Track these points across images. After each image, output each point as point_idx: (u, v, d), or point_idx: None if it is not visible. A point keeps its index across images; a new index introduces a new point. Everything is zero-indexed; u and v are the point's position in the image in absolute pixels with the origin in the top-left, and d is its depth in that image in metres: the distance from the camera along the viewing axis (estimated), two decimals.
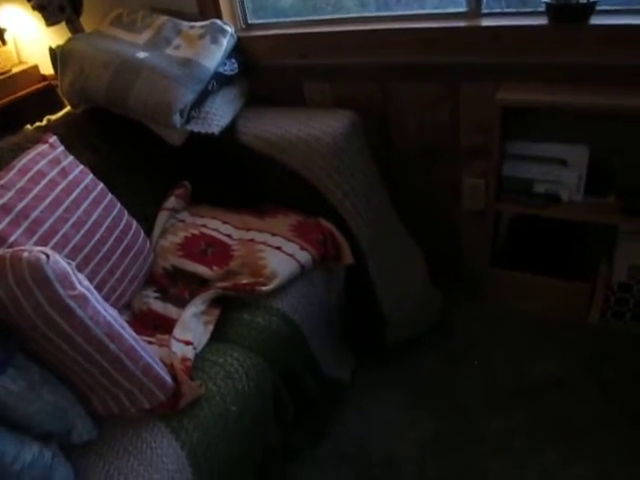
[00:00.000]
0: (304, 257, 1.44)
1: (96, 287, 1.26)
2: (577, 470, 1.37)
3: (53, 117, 1.69)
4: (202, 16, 1.74)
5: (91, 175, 1.38)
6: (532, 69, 1.48)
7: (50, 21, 1.77)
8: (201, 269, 1.44)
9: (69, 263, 0.96)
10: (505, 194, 1.64)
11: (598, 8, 1.39)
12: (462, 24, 1.52)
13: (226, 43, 1.63)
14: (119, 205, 1.42)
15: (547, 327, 1.77)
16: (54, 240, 1.23)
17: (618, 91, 1.38)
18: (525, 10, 1.51)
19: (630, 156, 1.52)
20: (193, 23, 1.66)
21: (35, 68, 2.19)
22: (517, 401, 1.57)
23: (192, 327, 1.27)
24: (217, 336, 1.29)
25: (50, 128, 1.55)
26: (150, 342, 1.27)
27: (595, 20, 1.38)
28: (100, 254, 1.32)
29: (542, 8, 1.43)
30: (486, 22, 1.50)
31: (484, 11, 1.53)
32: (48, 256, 0.93)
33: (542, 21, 1.43)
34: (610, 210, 1.55)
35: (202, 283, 1.43)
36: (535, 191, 1.60)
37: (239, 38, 1.73)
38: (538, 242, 1.76)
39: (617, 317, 1.70)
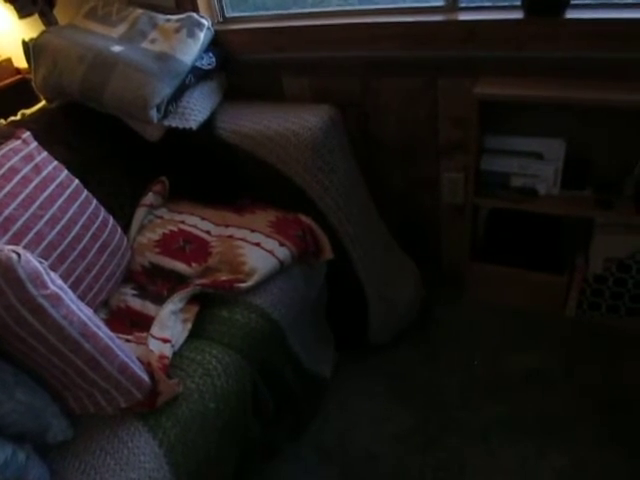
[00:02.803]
0: (283, 253, 1.44)
1: (72, 285, 1.26)
2: (552, 461, 1.40)
3: (27, 111, 1.67)
4: (178, 9, 1.72)
5: (66, 171, 1.36)
6: (509, 63, 1.49)
7: (22, 13, 1.74)
8: (179, 266, 1.43)
9: (41, 262, 0.95)
10: (483, 188, 1.65)
11: (573, 2, 1.40)
12: (439, 18, 1.52)
13: (203, 37, 1.61)
14: (95, 202, 1.40)
15: (525, 320, 1.79)
16: (28, 238, 1.21)
17: (593, 85, 1.39)
18: (501, 4, 1.52)
19: (606, 149, 1.54)
20: (169, 16, 1.64)
21: (8, 61, 2.14)
22: (495, 394, 1.59)
23: (170, 325, 1.26)
24: (195, 333, 1.28)
25: (24, 123, 1.52)
26: (128, 340, 1.26)
27: (570, 14, 1.39)
28: (76, 252, 1.30)
29: (518, 2, 1.44)
30: (463, 16, 1.50)
31: (461, 5, 1.53)
32: (19, 255, 0.91)
33: (518, 15, 1.43)
34: (586, 203, 1.57)
35: (180, 280, 1.42)
36: (512, 185, 1.62)
37: (216, 32, 1.71)
38: (516, 235, 1.78)
39: (593, 309, 1.73)
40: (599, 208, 1.54)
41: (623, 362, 1.61)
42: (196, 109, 1.59)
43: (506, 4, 1.51)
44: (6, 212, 1.19)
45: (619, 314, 1.70)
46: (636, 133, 1.48)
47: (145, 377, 1.09)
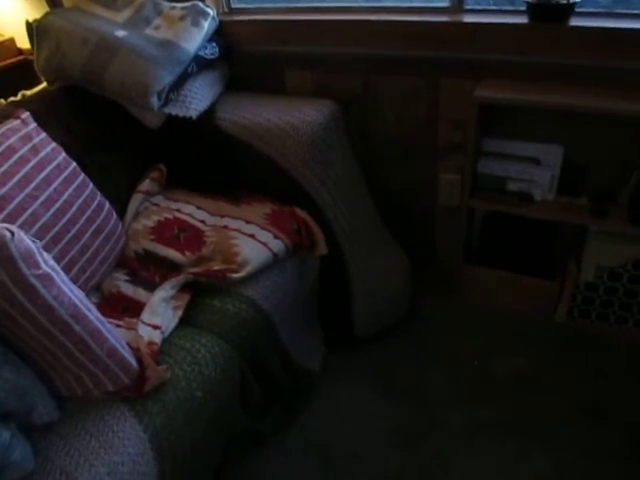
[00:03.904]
0: (277, 246, 1.44)
1: (65, 267, 1.26)
2: (536, 463, 1.41)
3: (28, 92, 1.66)
4: None
5: (64, 154, 1.36)
6: (511, 67, 1.49)
7: None
8: (173, 254, 1.43)
9: (34, 241, 0.95)
10: (479, 191, 1.66)
11: (578, 10, 1.41)
12: (444, 19, 1.52)
13: (207, 26, 1.61)
14: (91, 185, 1.40)
15: (516, 324, 1.80)
16: (22, 218, 1.21)
17: (594, 93, 1.40)
18: (507, 8, 1.52)
19: (602, 157, 1.55)
20: (174, 4, 1.64)
21: (11, 41, 2.13)
22: (481, 395, 1.60)
23: (161, 311, 1.26)
24: (186, 321, 1.29)
25: (24, 103, 1.51)
26: (118, 325, 1.27)
27: (574, 21, 1.40)
28: (70, 234, 1.30)
29: (523, 7, 1.45)
30: (468, 18, 1.51)
31: (466, 7, 1.54)
32: (13, 233, 0.91)
33: (523, 20, 1.44)
34: (581, 211, 1.58)
35: (173, 268, 1.42)
36: (509, 189, 1.62)
37: (221, 22, 1.71)
38: (510, 239, 1.79)
39: (583, 316, 1.74)
40: (593, 216, 1.55)
41: (610, 369, 1.62)
42: (197, 98, 1.59)
43: (511, 8, 1.52)
44: (1, 191, 1.19)
45: (609, 322, 1.71)
46: (634, 143, 1.48)
47: (133, 362, 1.09)
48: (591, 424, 1.48)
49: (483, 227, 1.83)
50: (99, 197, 1.41)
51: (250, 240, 1.43)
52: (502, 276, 1.79)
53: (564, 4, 1.39)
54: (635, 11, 1.41)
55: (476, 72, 1.52)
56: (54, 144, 1.35)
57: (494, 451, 1.45)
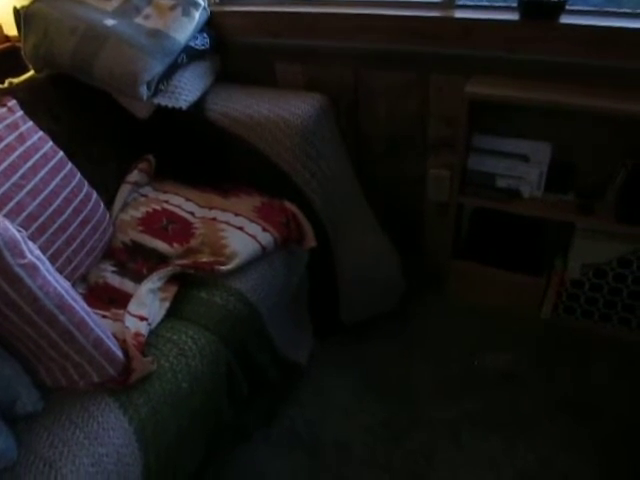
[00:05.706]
0: (266, 238, 1.44)
1: (51, 258, 1.25)
2: (521, 458, 1.42)
3: (15, 80, 1.63)
4: None
5: (51, 142, 1.34)
6: (501, 63, 1.49)
7: None
8: (161, 245, 1.43)
9: (20, 231, 0.94)
10: (468, 187, 1.66)
11: (569, 8, 1.41)
12: (435, 14, 1.52)
13: (198, 16, 1.60)
14: (79, 175, 1.38)
15: (502, 320, 1.81)
16: (8, 207, 1.19)
17: (583, 91, 1.40)
18: (498, 4, 1.52)
19: (589, 155, 1.56)
20: None
21: None
22: (467, 390, 1.61)
23: (148, 303, 1.26)
24: (173, 313, 1.28)
25: (11, 91, 1.49)
26: (104, 316, 1.26)
27: (565, 19, 1.41)
28: (56, 224, 1.29)
29: (514, 3, 1.45)
30: (459, 14, 1.50)
31: (458, 3, 1.53)
32: None
33: (514, 16, 1.44)
34: (568, 208, 1.59)
35: (161, 259, 1.42)
36: (497, 185, 1.63)
37: (212, 12, 1.70)
38: (498, 235, 1.80)
39: (568, 312, 1.76)
40: (580, 213, 1.56)
41: (594, 366, 1.64)
42: (187, 89, 1.58)
43: (503, 5, 1.52)
44: None
45: (593, 319, 1.73)
46: (621, 142, 1.50)
47: (119, 353, 1.09)
48: (575, 419, 1.50)
49: (471, 223, 1.84)
50: (86, 187, 1.39)
51: (239, 233, 1.43)
52: (489, 272, 1.80)
53: (555, 2, 1.39)
54: (626, 10, 1.42)
55: (467, 68, 1.53)
56: (41, 133, 1.34)
57: (479, 446, 1.46)
